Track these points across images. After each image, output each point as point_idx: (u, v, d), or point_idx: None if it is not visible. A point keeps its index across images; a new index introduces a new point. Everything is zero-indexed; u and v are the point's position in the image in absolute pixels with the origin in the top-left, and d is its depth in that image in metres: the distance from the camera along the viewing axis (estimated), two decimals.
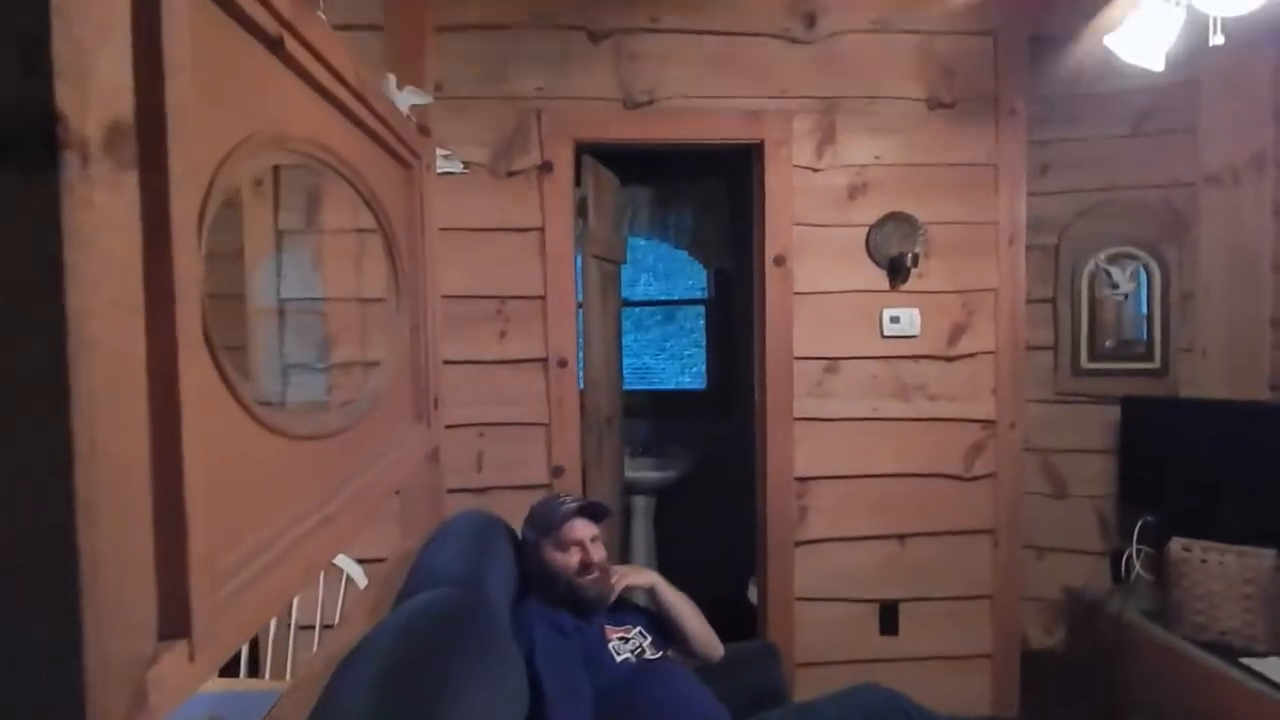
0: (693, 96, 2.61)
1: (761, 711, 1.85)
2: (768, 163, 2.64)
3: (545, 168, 2.56)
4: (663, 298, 4.78)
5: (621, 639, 1.83)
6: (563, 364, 2.60)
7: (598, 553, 1.87)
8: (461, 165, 2.51)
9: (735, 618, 2.71)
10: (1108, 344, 2.96)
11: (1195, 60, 2.50)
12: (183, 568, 0.65)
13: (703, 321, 4.43)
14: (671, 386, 4.70)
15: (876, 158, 2.68)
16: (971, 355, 2.74)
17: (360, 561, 2.19)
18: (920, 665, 2.75)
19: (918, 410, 2.73)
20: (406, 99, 1.66)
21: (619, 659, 1.76)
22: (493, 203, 2.56)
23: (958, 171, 2.70)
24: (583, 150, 2.68)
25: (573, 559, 1.84)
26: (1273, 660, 2.22)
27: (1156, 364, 2.88)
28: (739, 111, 2.63)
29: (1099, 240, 2.92)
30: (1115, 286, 2.92)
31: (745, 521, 2.97)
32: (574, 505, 1.89)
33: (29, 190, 0.48)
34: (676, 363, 4.82)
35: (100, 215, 0.53)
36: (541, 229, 2.57)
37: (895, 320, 2.69)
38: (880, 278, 2.69)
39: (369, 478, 1.26)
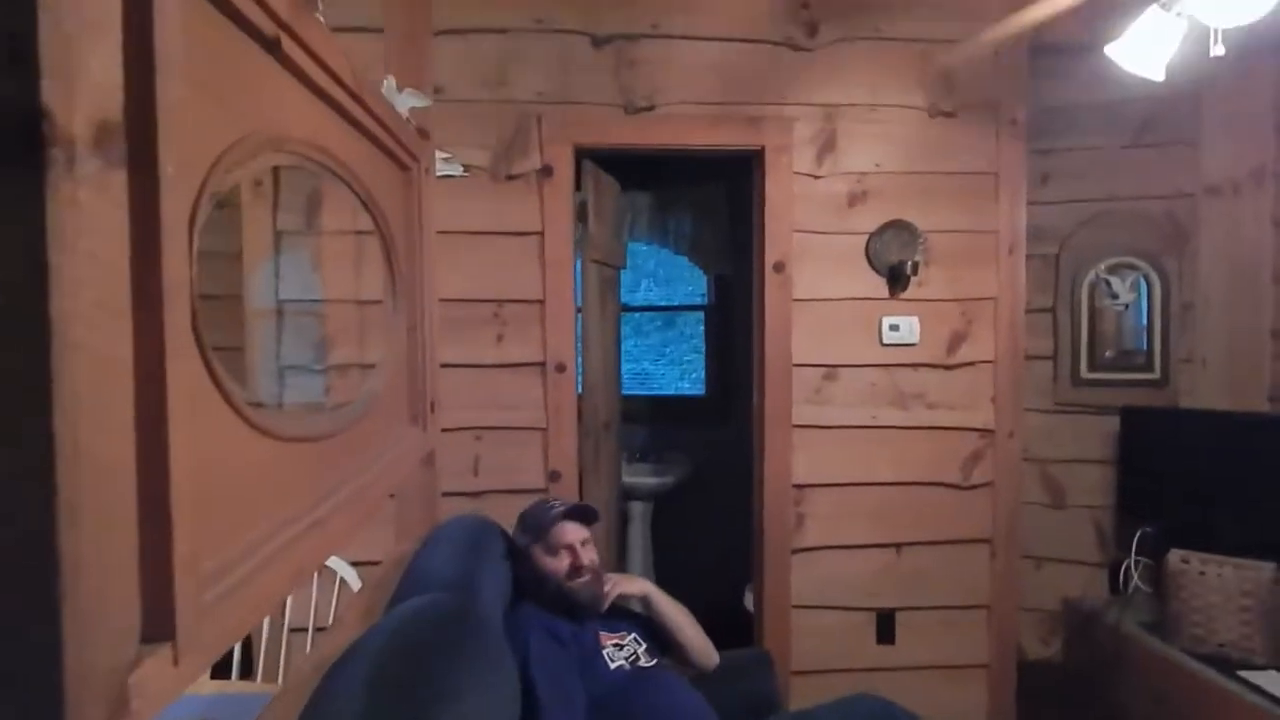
0: (693, 103, 2.61)
1: None
2: (768, 169, 2.64)
3: (545, 172, 2.56)
4: (663, 303, 4.77)
5: (616, 646, 1.82)
6: (561, 369, 2.59)
7: (588, 555, 1.87)
8: (461, 168, 2.51)
9: (732, 625, 2.70)
10: (1107, 354, 2.95)
11: (1196, 72, 2.50)
12: (167, 570, 0.64)
13: (702, 327, 4.42)
14: (671, 392, 4.69)
15: (877, 165, 2.67)
16: (971, 364, 2.73)
17: (354, 564, 2.18)
18: (916, 675, 2.74)
19: (916, 418, 2.72)
20: (406, 101, 1.65)
21: (613, 666, 1.75)
22: (492, 206, 2.55)
23: (958, 180, 2.70)
24: (583, 155, 2.68)
25: (563, 563, 1.84)
26: (1271, 673, 2.21)
27: (1156, 374, 2.87)
28: (740, 118, 2.63)
29: (1099, 250, 2.92)
30: (1115, 297, 2.91)
31: (743, 528, 2.96)
32: (562, 509, 1.89)
33: (12, 188, 0.48)
34: (676, 368, 4.82)
35: (86, 215, 0.52)
36: (541, 233, 2.57)
37: (894, 328, 2.69)
38: (880, 285, 2.69)
39: (363, 481, 1.26)
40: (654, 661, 1.84)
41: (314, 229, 2.46)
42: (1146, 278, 2.88)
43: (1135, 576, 2.70)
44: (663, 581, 2.00)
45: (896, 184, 2.68)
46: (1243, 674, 2.22)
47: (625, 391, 4.07)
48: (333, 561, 2.13)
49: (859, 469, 2.72)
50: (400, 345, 1.69)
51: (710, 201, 4.12)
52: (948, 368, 2.72)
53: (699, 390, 4.48)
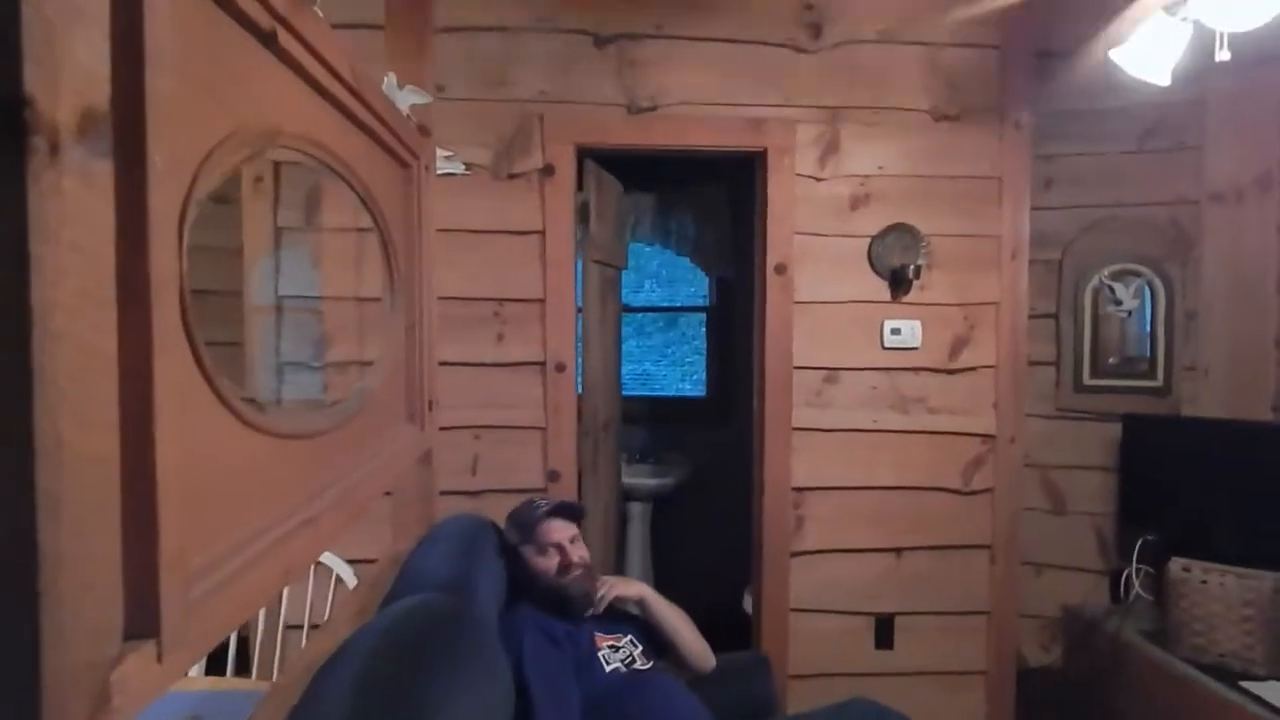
0: (696, 103, 2.60)
1: None
2: (770, 171, 2.63)
3: (547, 171, 2.55)
4: (665, 304, 4.77)
5: (612, 647, 1.81)
6: (560, 368, 2.58)
7: (578, 552, 1.87)
8: (463, 167, 2.50)
9: (730, 627, 2.69)
10: (1110, 361, 2.93)
11: (1202, 77, 2.49)
12: (152, 566, 0.63)
13: (704, 329, 4.42)
14: (672, 393, 4.68)
15: (880, 168, 2.66)
16: (972, 369, 2.72)
17: (350, 562, 2.17)
18: (914, 680, 2.73)
19: (917, 423, 2.71)
20: (406, 98, 1.65)
21: (608, 668, 1.74)
22: (493, 205, 2.55)
23: (961, 184, 2.69)
24: (585, 155, 2.67)
25: (552, 561, 1.84)
26: (1273, 684, 2.19)
27: (1159, 382, 2.86)
28: (742, 119, 2.62)
29: (1103, 256, 2.90)
30: (1118, 303, 2.90)
31: (742, 530, 2.95)
32: (547, 507, 1.88)
33: None
34: (677, 369, 4.81)
35: (70, 204, 0.52)
36: (542, 232, 2.56)
37: (896, 332, 2.68)
38: (881, 288, 2.68)
39: (357, 478, 1.25)
40: (650, 664, 1.83)
41: (314, 225, 2.46)
42: (1150, 284, 2.87)
43: (1136, 584, 2.69)
44: (661, 583, 1.99)
45: (899, 187, 2.67)
46: (1244, 684, 2.20)
47: (627, 392, 4.07)
48: (329, 559, 2.13)
49: (859, 473, 2.71)
50: (398, 343, 1.68)
51: (712, 203, 4.12)
52: (949, 372, 2.71)
53: (700, 392, 4.47)
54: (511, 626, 1.69)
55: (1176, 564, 2.43)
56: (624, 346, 3.97)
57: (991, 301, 2.71)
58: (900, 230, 2.66)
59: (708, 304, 4.38)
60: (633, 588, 1.95)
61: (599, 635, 1.82)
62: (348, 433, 1.25)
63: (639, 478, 3.88)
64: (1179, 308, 2.82)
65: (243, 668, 2.15)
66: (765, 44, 2.62)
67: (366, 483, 1.30)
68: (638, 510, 3.87)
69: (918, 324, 2.68)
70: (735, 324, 4.08)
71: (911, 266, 2.62)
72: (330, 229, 2.45)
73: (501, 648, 1.50)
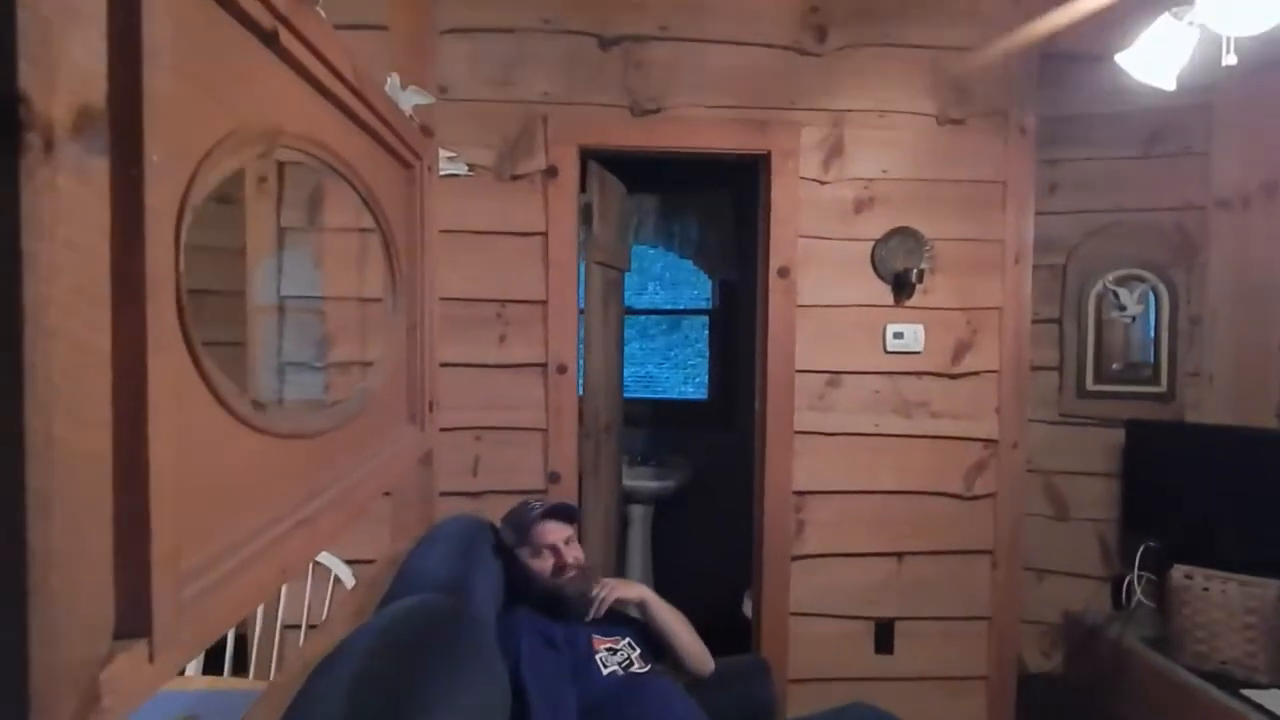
0: (700, 105, 2.60)
1: None
2: (774, 174, 2.62)
3: (550, 172, 2.55)
4: (668, 307, 4.76)
5: (610, 650, 1.81)
6: (562, 370, 2.58)
7: (573, 553, 1.86)
8: (466, 168, 2.50)
9: (730, 631, 2.69)
10: (1114, 366, 2.93)
11: (1208, 82, 2.48)
12: (145, 565, 0.63)
13: (706, 332, 4.41)
14: (675, 396, 4.68)
15: (884, 172, 2.66)
16: (975, 373, 2.71)
17: (349, 562, 2.17)
18: (915, 685, 2.72)
19: (919, 427, 2.71)
20: (409, 99, 1.65)
21: (606, 671, 1.74)
22: (496, 206, 2.55)
23: (965, 188, 2.68)
24: (588, 156, 2.67)
25: (547, 563, 1.84)
26: (1275, 693, 2.18)
27: (1163, 388, 2.85)
28: (747, 122, 2.62)
29: (1107, 261, 2.89)
30: (1123, 308, 2.89)
31: (743, 533, 2.94)
32: (541, 509, 1.88)
33: None
34: (680, 372, 4.80)
35: (65, 201, 0.51)
36: (545, 234, 2.56)
37: (899, 336, 2.67)
38: (885, 292, 2.67)
39: (356, 479, 1.25)
40: (648, 667, 1.82)
41: (317, 226, 2.46)
42: (1155, 290, 2.86)
43: (1138, 591, 2.68)
44: (661, 585, 1.99)
45: (903, 191, 2.67)
46: (1246, 693, 2.19)
47: (630, 394, 4.07)
48: (328, 559, 2.13)
49: (861, 477, 2.70)
50: (399, 344, 1.68)
51: (716, 205, 4.11)
52: (952, 376, 2.71)
53: (702, 395, 4.47)
54: (509, 629, 1.68)
55: (1179, 571, 2.42)
56: (627, 349, 3.96)
57: (994, 306, 2.70)
58: (904, 234, 2.65)
59: (710, 307, 4.38)
60: (633, 589, 1.94)
61: (597, 638, 1.82)
62: (347, 433, 1.25)
63: (640, 480, 3.87)
64: (1183, 313, 2.81)
65: (240, 667, 2.15)
66: (770, 46, 2.62)
67: (366, 483, 1.30)
68: (639, 513, 3.87)
69: (920, 328, 2.68)
70: (738, 327, 4.07)
71: (915, 270, 2.62)
72: (333, 229, 2.46)
73: (499, 649, 1.50)
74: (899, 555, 2.72)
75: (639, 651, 1.85)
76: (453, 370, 2.49)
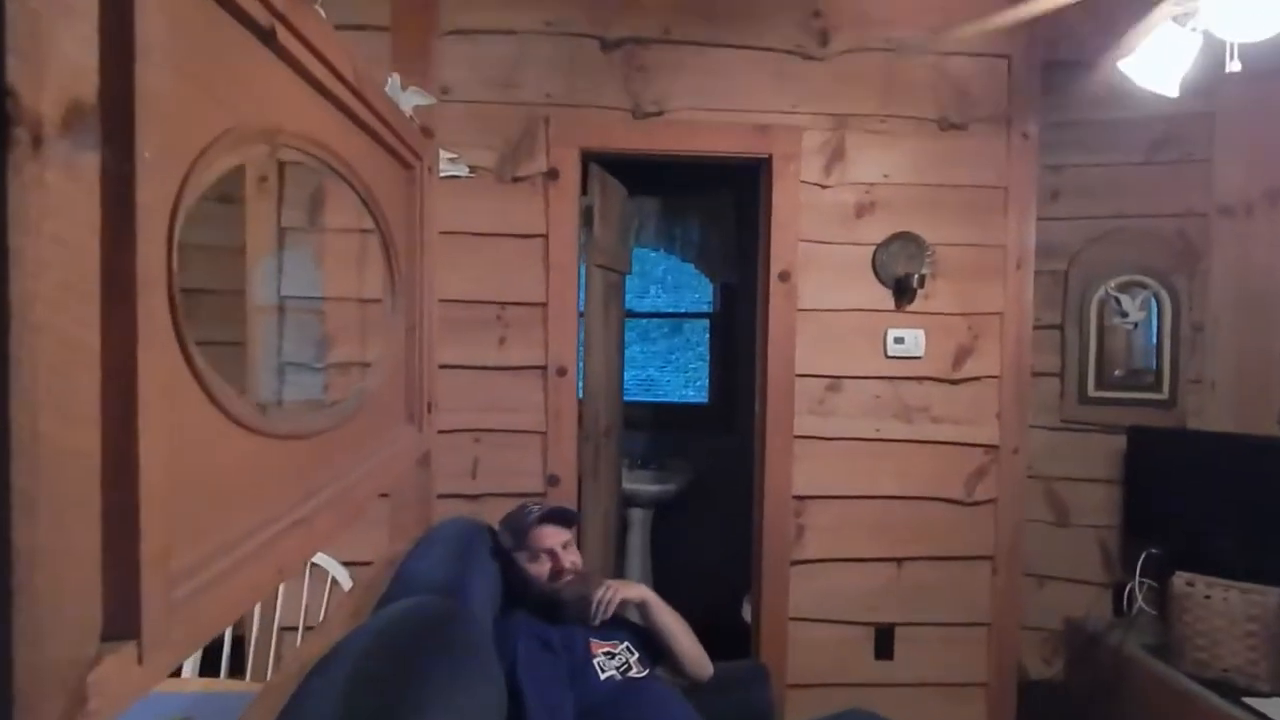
0: (702, 109, 2.60)
1: None
2: (775, 178, 2.62)
3: (551, 174, 2.55)
4: (670, 310, 4.76)
5: (607, 654, 1.80)
6: (562, 373, 2.58)
7: (570, 557, 1.86)
8: (467, 169, 2.50)
9: (729, 635, 2.68)
10: (1116, 373, 2.92)
11: (1211, 89, 2.48)
12: (134, 565, 0.63)
13: (708, 335, 4.41)
14: (676, 399, 4.67)
15: (886, 176, 2.65)
16: (976, 379, 2.70)
17: (347, 564, 2.16)
18: (914, 691, 2.71)
19: (920, 432, 2.70)
20: (410, 99, 1.65)
21: (603, 676, 1.73)
22: (497, 208, 2.55)
23: (967, 193, 2.68)
24: (590, 158, 2.67)
25: (544, 567, 1.83)
26: (1276, 701, 2.17)
27: (1164, 395, 2.84)
28: (748, 125, 2.61)
29: (1109, 268, 2.89)
30: (1125, 315, 2.88)
31: (743, 538, 2.93)
32: (539, 513, 1.87)
33: None
34: (681, 375, 4.79)
35: (53, 197, 0.51)
36: (545, 236, 2.56)
37: (900, 341, 2.66)
38: (885, 297, 2.66)
39: (353, 479, 1.24)
40: (646, 672, 1.81)
41: (317, 226, 2.46)
42: (1157, 296, 2.85)
43: (1139, 598, 2.66)
44: (660, 589, 1.98)
45: (905, 196, 2.66)
46: (1247, 700, 2.18)
47: (631, 398, 4.06)
48: (325, 561, 2.12)
49: (861, 482, 2.69)
50: (398, 345, 1.67)
51: (717, 209, 4.11)
52: (953, 382, 2.70)
53: (703, 398, 4.46)
54: (506, 632, 1.68)
55: (1180, 578, 2.41)
56: (628, 352, 3.96)
57: (996, 311, 2.69)
58: (905, 239, 2.64)
59: (712, 310, 4.37)
60: (635, 590, 1.93)
61: (594, 641, 1.81)
62: (344, 433, 1.25)
63: (640, 484, 3.86)
64: (1185, 320, 2.80)
65: (238, 668, 2.15)
66: (772, 50, 2.62)
67: (363, 484, 1.30)
68: (638, 516, 3.86)
69: (921, 333, 2.67)
70: (739, 330, 4.06)
71: (916, 275, 2.61)
72: (333, 230, 2.45)
73: (496, 652, 1.49)
74: (899, 561, 2.71)
75: (637, 656, 1.84)
76: (452, 372, 2.48)
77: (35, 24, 0.49)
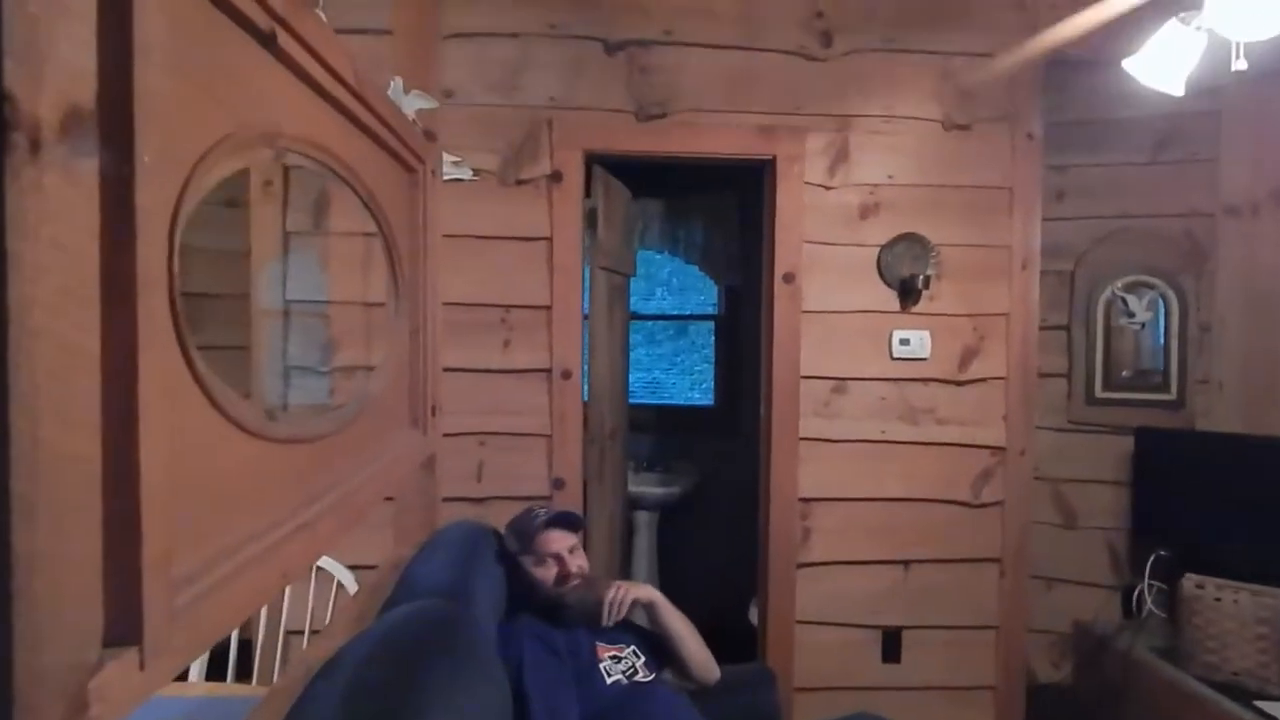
0: (705, 110, 2.59)
1: None
2: (779, 179, 2.61)
3: (555, 177, 2.55)
4: (675, 312, 4.76)
5: (614, 658, 1.79)
6: (566, 375, 2.57)
7: (576, 562, 1.85)
8: (471, 172, 2.50)
9: (735, 638, 2.67)
10: (1124, 373, 2.90)
11: (1217, 88, 2.47)
12: (135, 570, 0.62)
13: (713, 337, 4.40)
14: (681, 402, 4.66)
15: (890, 177, 2.65)
16: (982, 380, 2.69)
17: (352, 568, 2.16)
18: (922, 695, 2.69)
19: (926, 434, 2.69)
20: (413, 103, 1.65)
21: (609, 680, 1.72)
22: (501, 211, 2.55)
23: (972, 194, 2.67)
24: (593, 161, 2.66)
25: (551, 571, 1.82)
26: None
27: (1172, 395, 2.82)
28: (752, 127, 2.61)
29: (1116, 268, 2.87)
30: (1131, 315, 2.87)
31: (749, 540, 2.92)
32: (545, 517, 1.87)
33: None
34: (687, 378, 4.79)
35: (52, 201, 0.51)
36: (549, 239, 2.56)
37: (905, 342, 2.65)
38: (890, 298, 2.65)
39: (356, 483, 1.24)
40: (652, 675, 1.81)
41: (322, 230, 2.46)
42: (1164, 297, 2.84)
43: (1149, 601, 2.65)
44: (666, 591, 1.97)
45: (909, 196, 2.65)
46: (1259, 704, 2.16)
47: (637, 400, 4.06)
48: (331, 565, 2.12)
49: (867, 484, 2.68)
50: (402, 348, 1.67)
51: (721, 211, 4.11)
52: (959, 383, 2.69)
53: (709, 401, 4.45)
54: (511, 636, 1.67)
55: (1190, 580, 2.39)
56: (634, 354, 3.95)
57: (1002, 312, 2.68)
58: (910, 240, 2.64)
59: (717, 312, 4.37)
60: (644, 590, 1.93)
61: (600, 645, 1.80)
62: (346, 437, 1.25)
63: (646, 486, 3.86)
64: (1193, 320, 2.79)
65: (245, 672, 2.15)
66: (775, 51, 2.61)
67: (366, 487, 1.29)
68: (644, 519, 3.85)
69: (927, 334, 2.66)
70: (744, 333, 4.06)
71: (921, 276, 2.60)
72: (338, 233, 2.45)
73: (499, 656, 1.49)
74: (905, 563, 2.70)
75: (643, 660, 1.84)
76: (457, 375, 2.48)
77: (33, 28, 0.49)
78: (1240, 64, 1.81)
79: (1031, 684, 2.81)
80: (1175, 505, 2.66)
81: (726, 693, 1.96)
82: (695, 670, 1.92)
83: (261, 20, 0.86)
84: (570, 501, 2.55)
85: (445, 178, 2.02)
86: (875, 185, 2.65)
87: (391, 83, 1.60)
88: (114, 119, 0.58)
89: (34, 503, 0.51)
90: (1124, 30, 2.19)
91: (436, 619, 1.29)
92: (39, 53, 0.49)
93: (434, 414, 1.84)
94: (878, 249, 2.64)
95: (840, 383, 2.67)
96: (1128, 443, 2.80)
